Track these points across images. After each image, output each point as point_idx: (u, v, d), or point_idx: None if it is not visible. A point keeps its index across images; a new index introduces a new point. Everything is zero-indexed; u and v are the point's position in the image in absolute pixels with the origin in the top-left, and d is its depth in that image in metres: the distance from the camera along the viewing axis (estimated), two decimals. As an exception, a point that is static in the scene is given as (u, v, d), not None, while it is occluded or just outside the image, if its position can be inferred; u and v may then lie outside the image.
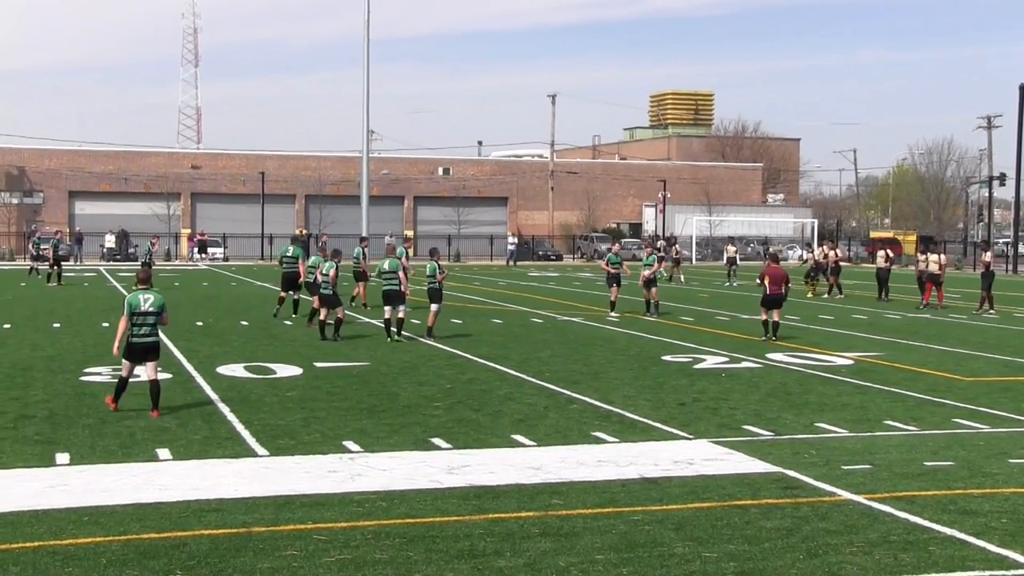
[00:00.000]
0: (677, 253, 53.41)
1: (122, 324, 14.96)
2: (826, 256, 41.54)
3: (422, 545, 9.12)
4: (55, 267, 43.70)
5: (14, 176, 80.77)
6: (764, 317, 24.94)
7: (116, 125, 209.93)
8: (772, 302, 24.68)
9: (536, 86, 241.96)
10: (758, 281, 25.46)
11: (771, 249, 36.83)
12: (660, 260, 35.08)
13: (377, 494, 10.73)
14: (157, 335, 15.20)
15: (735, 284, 46.43)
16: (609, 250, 34.35)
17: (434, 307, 24.78)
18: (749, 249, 78.18)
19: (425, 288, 25.40)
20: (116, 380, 17.70)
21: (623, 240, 78.10)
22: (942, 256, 36.11)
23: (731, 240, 55.76)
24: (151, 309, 15.04)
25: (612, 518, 9.99)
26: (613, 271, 31.09)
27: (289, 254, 29.51)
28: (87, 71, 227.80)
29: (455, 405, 15.88)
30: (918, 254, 38.18)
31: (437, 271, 25.03)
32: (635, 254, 74.52)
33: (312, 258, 27.92)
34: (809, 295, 40.28)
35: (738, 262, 50.73)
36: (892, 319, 31.15)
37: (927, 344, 24.49)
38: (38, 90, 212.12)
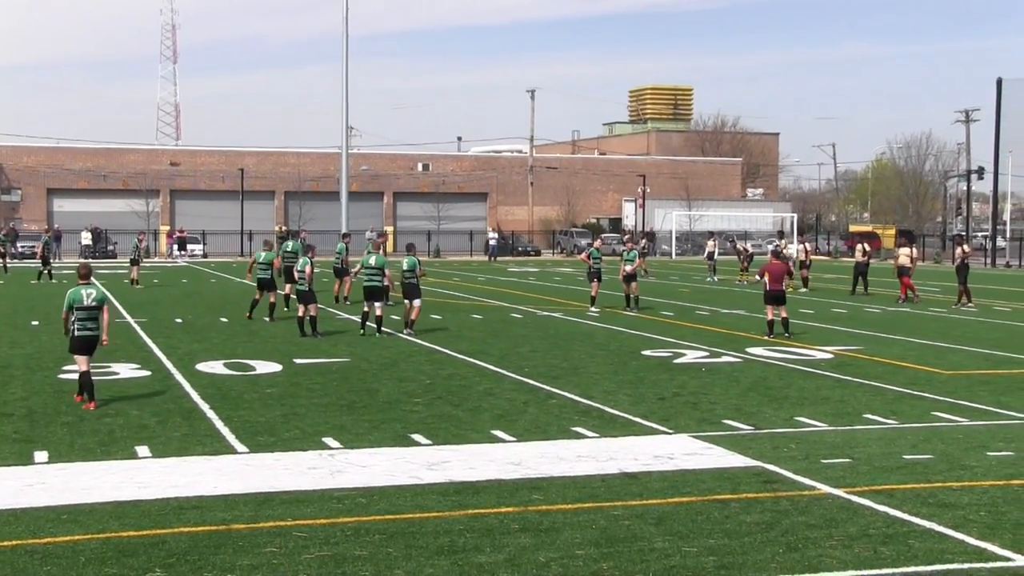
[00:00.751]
0: (645, 248, 54.18)
1: (64, 318, 15.15)
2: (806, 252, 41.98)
3: (402, 541, 9.12)
4: (46, 265, 44.29)
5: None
6: (771, 316, 24.50)
7: (95, 122, 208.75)
8: (775, 298, 24.45)
9: (515, 81, 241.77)
10: (757, 277, 25.50)
11: (774, 245, 37.18)
12: (642, 255, 35.13)
13: (357, 490, 10.72)
14: (98, 329, 15.27)
15: (716, 279, 46.57)
16: (590, 244, 34.22)
17: (416, 303, 24.67)
18: (728, 244, 78.32)
19: (401, 283, 25.24)
20: (94, 379, 17.66)
21: (604, 235, 78.07)
22: (913, 249, 36.42)
23: (711, 235, 56.05)
24: (92, 304, 15.09)
25: (592, 513, 10.00)
26: (595, 266, 31.08)
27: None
28: (65, 68, 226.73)
29: (435, 401, 15.87)
30: (897, 248, 38.41)
31: (417, 266, 24.99)
32: (615, 249, 74.71)
33: (289, 243, 30.24)
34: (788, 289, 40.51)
35: (716, 256, 50.98)
36: (872, 313, 31.27)
37: (907, 338, 24.60)
38: (16, 87, 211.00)
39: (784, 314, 24.56)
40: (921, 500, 10.50)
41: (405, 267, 24.94)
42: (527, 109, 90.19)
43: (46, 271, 44.49)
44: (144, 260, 50.40)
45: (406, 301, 24.65)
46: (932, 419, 14.76)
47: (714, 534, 9.38)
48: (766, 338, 24.02)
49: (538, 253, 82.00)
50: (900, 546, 9.09)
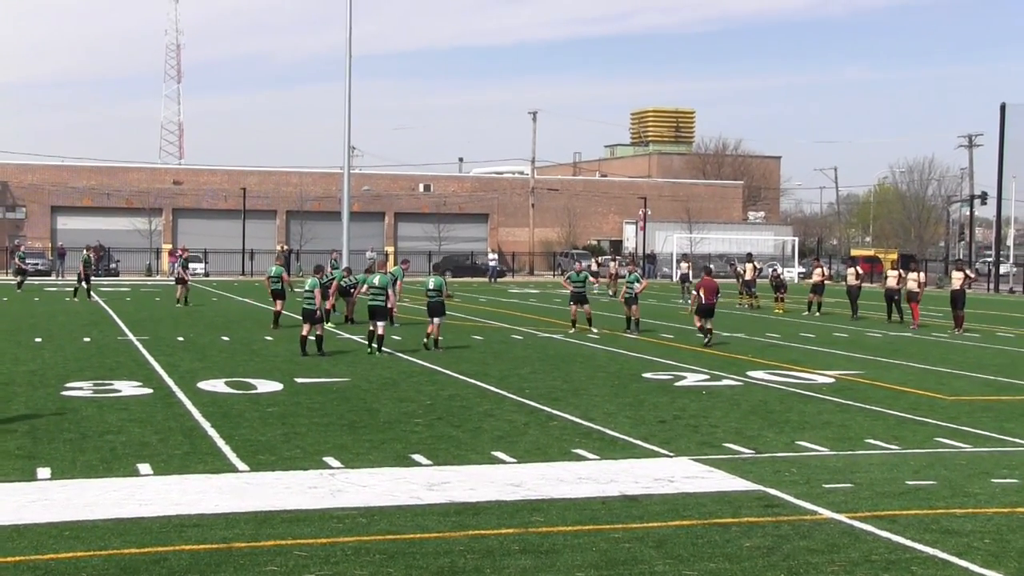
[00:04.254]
0: (599, 266, 59.81)
1: None
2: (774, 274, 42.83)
3: (402, 561, 9.11)
4: (84, 282, 44.29)
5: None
6: (699, 324, 27.67)
7: (99, 140, 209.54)
8: (707, 311, 27.46)
9: (517, 103, 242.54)
10: (693, 292, 28.63)
11: (716, 264, 38.37)
12: (644, 277, 35.09)
13: (357, 510, 10.72)
14: None
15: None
16: (573, 268, 33.87)
17: (437, 320, 25.28)
18: (729, 268, 78.41)
19: (427, 302, 25.80)
20: (97, 396, 17.71)
21: (601, 258, 78.13)
22: (921, 275, 36.37)
23: (684, 257, 56.76)
24: None
25: (592, 535, 10.00)
26: (576, 290, 30.94)
27: (307, 287, 25.29)
28: (70, 86, 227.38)
29: (435, 421, 15.87)
30: (888, 272, 38.33)
31: (443, 286, 25.75)
32: (618, 271, 74.69)
33: (274, 268, 31.47)
34: (777, 311, 40.69)
35: (691, 279, 51.45)
36: (873, 337, 31.27)
37: (908, 362, 24.59)
38: (20, 105, 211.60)
39: (709, 326, 27.48)
40: (924, 526, 10.48)
41: (431, 286, 25.59)
42: (529, 130, 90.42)
43: (85, 288, 44.21)
44: (162, 277, 50.47)
45: (430, 319, 25.37)
46: (935, 445, 14.74)
47: (715, 558, 9.38)
48: (702, 347, 26.71)
49: (502, 274, 78.81)
50: (903, 573, 9.07)
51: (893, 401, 18.55)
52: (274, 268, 32.06)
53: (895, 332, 33.03)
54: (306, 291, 24.41)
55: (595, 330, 30.43)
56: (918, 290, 35.20)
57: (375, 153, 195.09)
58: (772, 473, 12.68)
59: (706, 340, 27.31)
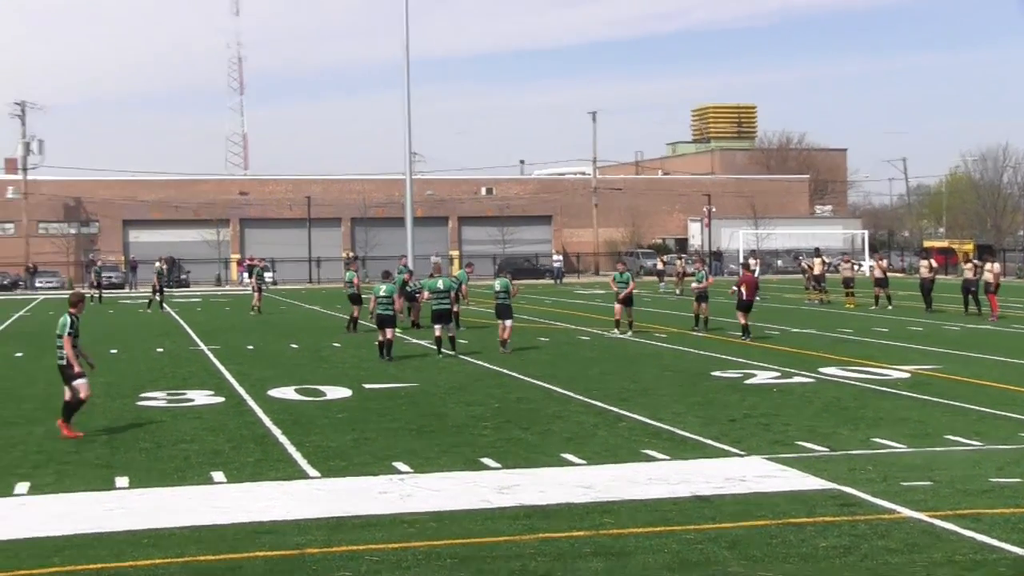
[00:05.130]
0: (664, 264, 61.38)
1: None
2: (849, 267, 42.30)
3: (473, 565, 9.10)
4: (157, 294, 45.17)
5: (71, 207, 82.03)
6: (743, 321, 28.08)
7: (166, 154, 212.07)
8: (747, 307, 27.99)
9: (577, 103, 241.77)
10: (733, 288, 28.77)
11: (745, 259, 38.50)
12: (710, 275, 34.75)
13: (428, 514, 10.73)
14: (61, 357, 15.35)
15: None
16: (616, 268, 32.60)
17: (508, 323, 25.57)
18: (795, 262, 77.70)
19: (495, 304, 26.10)
20: (171, 405, 17.96)
21: (667, 256, 77.70)
22: (997, 265, 35.67)
23: (752, 253, 56.90)
24: (56, 332, 15.41)
25: (665, 537, 9.90)
26: (620, 290, 30.14)
27: (382, 293, 24.95)
28: (137, 102, 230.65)
29: (504, 424, 15.85)
30: (963, 263, 37.65)
31: (510, 287, 25.88)
32: (685, 269, 74.20)
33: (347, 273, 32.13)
34: (848, 305, 40.20)
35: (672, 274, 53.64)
36: (951, 330, 30.72)
37: (988, 356, 24.08)
38: (90, 122, 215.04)
39: (745, 320, 28.07)
40: (1011, 525, 10.15)
41: (497, 288, 25.87)
42: (589, 131, 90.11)
43: (158, 300, 44.99)
44: (232, 287, 51.16)
45: (499, 321, 25.70)
46: (1019, 440, 14.33)
47: (790, 558, 9.24)
48: (742, 340, 27.31)
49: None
50: (990, 574, 8.82)
51: (973, 396, 18.14)
52: (347, 274, 33.76)
53: (972, 325, 32.42)
54: (381, 296, 24.55)
55: (630, 332, 29.82)
56: (994, 281, 34.55)
57: (437, 158, 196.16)
58: (847, 471, 12.47)
59: (746, 336, 27.76)
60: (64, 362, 15.25)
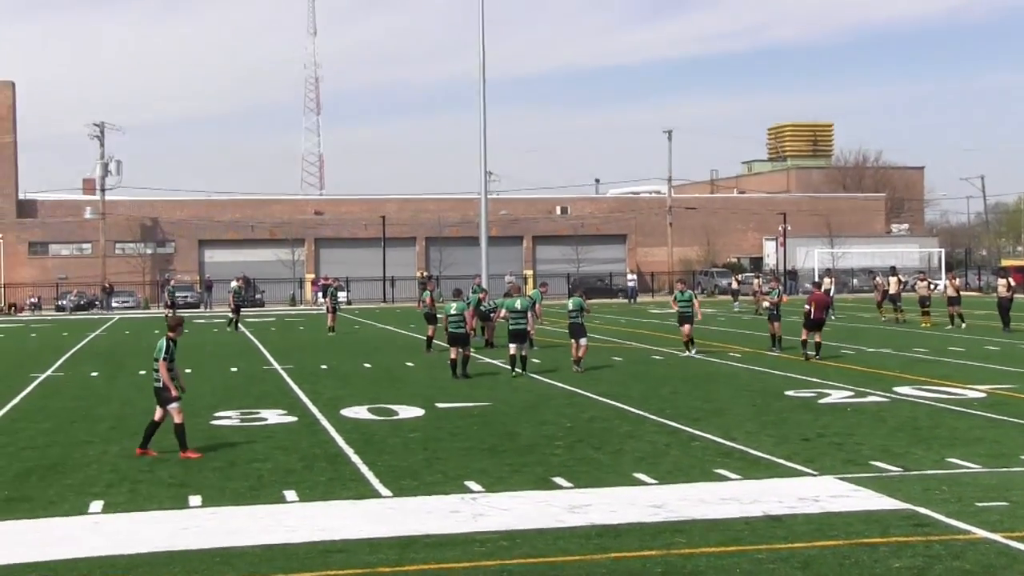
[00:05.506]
0: (739, 283, 61.95)
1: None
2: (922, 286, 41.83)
3: (544, 585, 9.11)
4: (235, 313, 45.43)
5: (148, 227, 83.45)
6: (805, 338, 27.80)
7: (242, 174, 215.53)
8: (816, 324, 27.65)
9: (652, 121, 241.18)
10: (806, 307, 28.34)
11: (819, 279, 38.27)
12: (783, 293, 34.43)
13: (499, 533, 10.76)
14: (158, 380, 15.53)
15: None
16: (677, 287, 31.41)
17: (583, 341, 25.62)
18: (883, 281, 76.65)
19: (568, 323, 26.13)
20: (244, 424, 18.20)
21: (743, 274, 77.06)
22: None
23: (828, 272, 56.53)
24: (155, 356, 15.64)
25: (736, 556, 9.85)
26: (683, 310, 29.50)
27: (453, 312, 25.04)
28: (213, 122, 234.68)
29: (575, 444, 15.85)
30: None
31: (583, 306, 25.95)
32: (758, 288, 73.54)
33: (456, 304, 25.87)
34: (924, 324, 39.59)
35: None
36: (1026, 349, 30.14)
37: (1064, 375, 23.62)
38: (167, 143, 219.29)
39: (818, 339, 27.75)
40: (1087, 546, 10.01)
41: (571, 307, 26.12)
42: (664, 149, 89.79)
43: (235, 319, 45.40)
44: (307, 306, 51.63)
45: (572, 340, 25.74)
46: (1094, 460, 14.11)
47: (863, 579, 9.13)
48: (805, 360, 27.11)
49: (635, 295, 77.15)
50: (1062, 593, 8.69)
51: (1050, 415, 17.81)
52: (425, 293, 33.78)
53: (1051, 343, 31.78)
54: (452, 315, 24.77)
55: (689, 352, 29.43)
56: None
57: (511, 177, 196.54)
58: (921, 491, 12.30)
59: (815, 354, 27.41)
60: (160, 384, 15.46)
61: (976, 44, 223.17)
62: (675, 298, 30.33)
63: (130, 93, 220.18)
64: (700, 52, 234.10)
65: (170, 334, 15.69)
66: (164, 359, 15.38)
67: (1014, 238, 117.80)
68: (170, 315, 17.27)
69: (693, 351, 29.39)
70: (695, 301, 29.81)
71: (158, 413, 15.49)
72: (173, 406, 15.34)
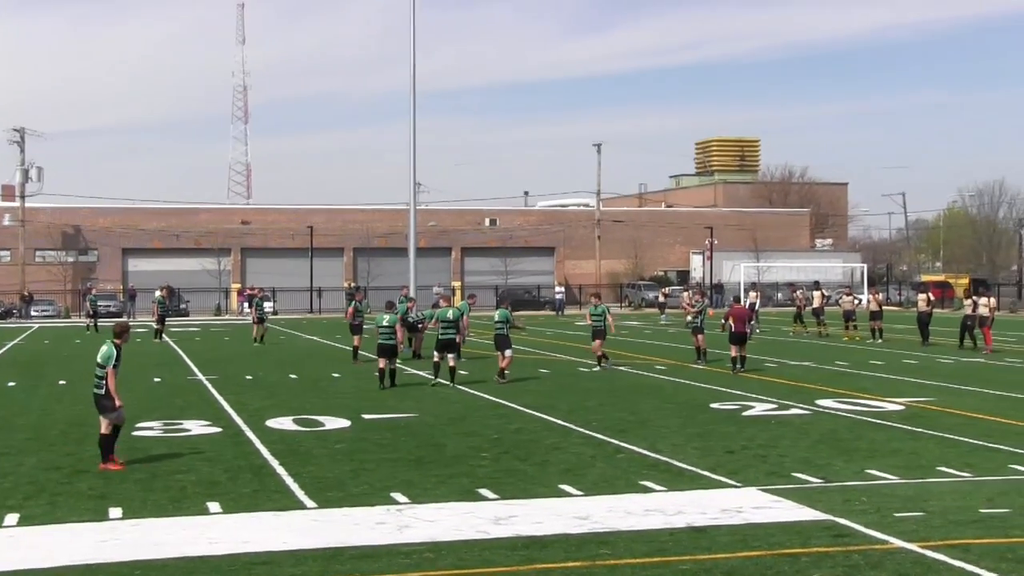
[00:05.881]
0: (665, 297, 63.20)
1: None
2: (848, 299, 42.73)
3: (469, 596, 9.11)
4: (160, 323, 44.41)
5: (70, 235, 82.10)
6: (734, 354, 27.74)
7: (168, 183, 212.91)
8: (739, 339, 27.71)
9: (581, 135, 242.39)
10: (723, 321, 28.78)
11: (744, 294, 38.97)
12: (709, 307, 34.82)
13: (425, 545, 10.75)
14: (100, 387, 15.22)
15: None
16: (591, 303, 30.58)
17: (508, 352, 25.81)
18: (802, 295, 77.67)
19: (494, 335, 26.42)
20: (166, 435, 17.97)
21: (670, 288, 77.66)
22: (992, 299, 35.83)
23: (752, 286, 56.94)
24: (97, 359, 15.36)
25: (660, 568, 9.93)
26: (596, 324, 28.95)
27: (385, 323, 25.52)
28: (139, 130, 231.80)
29: (502, 455, 15.87)
30: (964, 299, 37.69)
31: (509, 318, 26.27)
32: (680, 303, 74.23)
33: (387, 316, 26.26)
34: (845, 339, 40.25)
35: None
36: (944, 364, 30.79)
37: (981, 389, 24.16)
38: (92, 150, 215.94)
39: (743, 352, 27.94)
40: (999, 555, 10.27)
41: (496, 318, 26.36)
42: (593, 163, 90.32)
43: (160, 330, 44.21)
44: (232, 316, 50.95)
45: (498, 352, 26.00)
46: (1009, 472, 14.45)
47: (784, 589, 9.26)
48: (731, 373, 27.21)
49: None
50: (976, 601, 8.89)
51: (966, 428, 18.22)
52: (387, 317, 31.29)
53: (966, 358, 32.48)
54: (383, 327, 24.97)
55: (604, 365, 29.15)
56: (989, 315, 34.69)
57: (440, 189, 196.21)
58: (841, 502, 12.51)
59: (739, 368, 27.56)
60: (103, 392, 15.13)
61: (900, 64, 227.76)
62: (589, 312, 29.71)
63: (53, 99, 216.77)
64: (630, 68, 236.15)
65: (116, 341, 15.40)
66: (113, 367, 15.09)
67: (933, 254, 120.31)
68: (118, 321, 16.96)
69: (606, 364, 29.25)
70: (608, 316, 29.17)
71: (104, 425, 15.15)
72: (112, 415, 15.08)
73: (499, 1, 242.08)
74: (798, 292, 48.88)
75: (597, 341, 29.08)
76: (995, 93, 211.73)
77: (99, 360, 15.34)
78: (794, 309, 47.19)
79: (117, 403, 15.09)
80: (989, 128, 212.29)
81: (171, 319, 54.14)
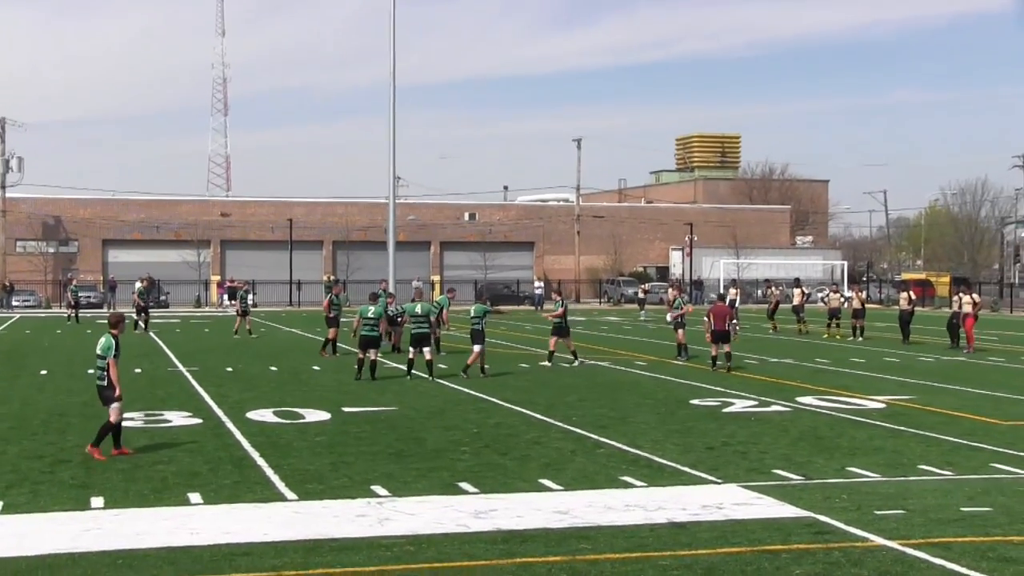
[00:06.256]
0: (645, 293, 63.63)
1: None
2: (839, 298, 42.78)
3: (451, 590, 9.11)
4: (142, 313, 43.73)
5: (50, 226, 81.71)
6: (715, 352, 27.52)
7: (148, 174, 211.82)
8: (720, 336, 27.36)
9: (562, 130, 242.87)
10: (705, 319, 28.37)
11: (727, 291, 38.92)
12: (687, 303, 34.85)
13: (405, 538, 10.74)
14: (103, 378, 15.21)
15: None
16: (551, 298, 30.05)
17: (477, 348, 25.62)
18: (779, 292, 77.86)
19: (470, 329, 26.33)
20: (148, 426, 17.90)
21: (649, 283, 77.72)
22: (975, 296, 36.00)
23: (732, 283, 57.15)
24: (99, 352, 15.30)
25: (640, 563, 9.95)
26: (555, 321, 28.89)
27: (370, 315, 25.53)
28: (120, 122, 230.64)
29: (482, 449, 15.88)
30: (953, 298, 37.78)
31: (485, 313, 26.25)
32: (662, 297, 74.40)
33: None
34: (825, 336, 40.39)
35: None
36: (925, 362, 30.94)
37: (962, 387, 24.28)
38: (71, 141, 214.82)
39: (727, 350, 27.46)
40: (980, 554, 10.31)
41: (473, 313, 26.34)
42: (573, 158, 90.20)
43: (141, 320, 43.51)
44: (212, 308, 50.66)
45: (474, 346, 25.82)
46: (990, 471, 14.51)
47: (765, 585, 9.29)
48: (710, 370, 27.12)
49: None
50: (955, 599, 8.93)
51: (947, 426, 18.31)
52: (372, 308, 30.71)
53: (948, 357, 32.65)
54: (368, 318, 25.13)
55: (548, 363, 28.77)
56: (973, 311, 34.87)
57: (420, 183, 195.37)
58: (822, 500, 12.56)
59: (724, 365, 27.19)
60: (105, 383, 15.13)
61: (881, 62, 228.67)
62: (553, 310, 29.33)
63: (33, 90, 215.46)
64: (611, 63, 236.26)
65: (113, 331, 15.38)
66: (114, 357, 15.02)
67: (914, 252, 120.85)
68: (111, 312, 16.91)
69: (567, 361, 28.97)
70: (561, 310, 28.74)
71: (113, 413, 15.09)
72: (115, 405, 15.06)
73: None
74: (772, 288, 49.06)
75: (554, 339, 28.82)
76: (978, 91, 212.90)
77: (99, 351, 15.34)
78: (771, 305, 47.30)
79: (117, 392, 15.04)
80: (972, 126, 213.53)
81: (152, 311, 53.80)
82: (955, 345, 35.44)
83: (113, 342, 15.18)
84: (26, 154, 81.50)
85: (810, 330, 42.94)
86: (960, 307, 35.45)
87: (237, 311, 42.28)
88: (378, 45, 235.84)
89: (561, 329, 28.80)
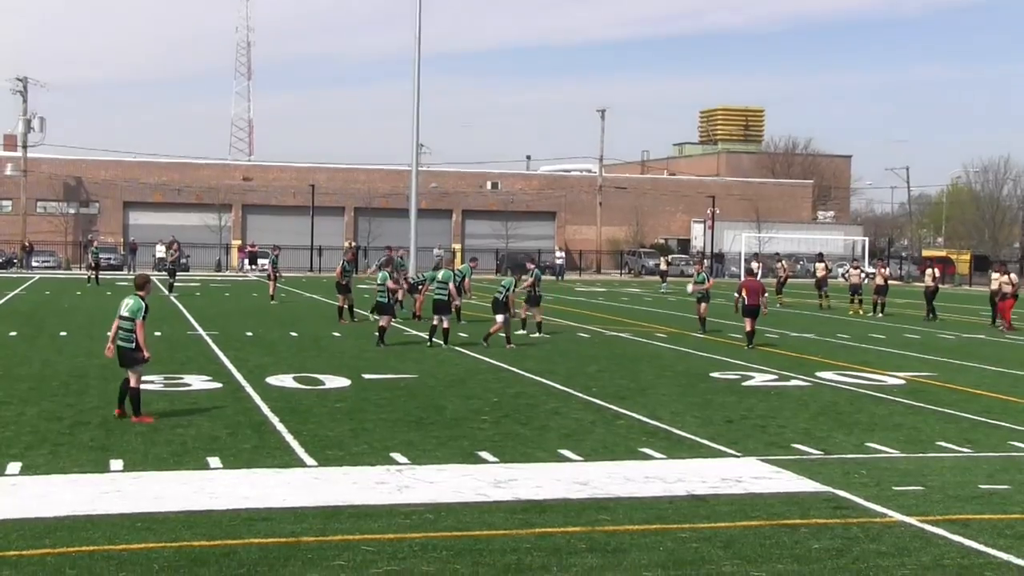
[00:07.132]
0: (668, 265, 64.41)
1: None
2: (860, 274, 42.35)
3: (469, 558, 9.13)
4: (171, 276, 44.98)
5: (71, 187, 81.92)
6: (749, 327, 26.60)
7: (170, 137, 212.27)
8: (751, 312, 26.53)
9: (585, 101, 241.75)
10: (736, 294, 27.60)
11: (750, 264, 38.26)
12: (710, 276, 34.67)
13: (424, 506, 10.76)
14: (130, 340, 15.03)
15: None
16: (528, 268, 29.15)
17: (499, 318, 25.38)
18: (799, 267, 77.60)
19: (492, 299, 26.26)
20: (168, 390, 17.96)
21: (671, 256, 77.51)
22: (1012, 275, 35.63)
23: (755, 256, 56.80)
24: (125, 314, 15.10)
25: (659, 535, 9.94)
26: (536, 292, 28.32)
27: (440, 279, 25.97)
28: (143, 83, 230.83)
29: (502, 419, 15.88)
30: (993, 275, 37.32)
31: (512, 286, 26.05)
32: (683, 270, 74.28)
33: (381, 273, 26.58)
34: (851, 312, 40.21)
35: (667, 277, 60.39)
36: (945, 339, 30.80)
37: (982, 365, 24.18)
38: (95, 103, 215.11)
39: (754, 327, 26.69)
40: (998, 531, 10.29)
41: (503, 283, 26.31)
42: (597, 128, 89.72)
43: (169, 282, 44.62)
44: (232, 272, 50.77)
45: (496, 316, 25.61)
46: (1009, 448, 14.48)
47: (783, 559, 9.28)
48: (746, 348, 26.15)
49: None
50: (974, 577, 8.91)
51: (966, 404, 18.24)
52: (380, 275, 29.68)
53: (968, 334, 32.48)
54: (439, 281, 25.51)
55: (513, 345, 26.36)
56: (1011, 291, 34.56)
57: (443, 151, 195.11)
58: (841, 475, 12.53)
59: (750, 344, 26.37)
60: (133, 346, 14.97)
61: (907, 38, 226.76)
62: (525, 280, 28.53)
63: (57, 51, 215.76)
64: (636, 34, 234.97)
65: (140, 293, 15.28)
66: (142, 319, 15.02)
67: (935, 229, 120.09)
68: (138, 273, 16.78)
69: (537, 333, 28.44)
70: (530, 280, 28.18)
71: (133, 378, 15.06)
72: (139, 368, 15.06)
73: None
74: (782, 262, 48.91)
75: (525, 307, 28.66)
76: (1002, 68, 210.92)
77: (126, 313, 15.08)
78: (780, 279, 47.15)
79: (146, 355, 15.03)
80: (996, 104, 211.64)
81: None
82: (995, 324, 35.21)
83: (142, 304, 15.13)
84: (48, 115, 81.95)
85: (832, 305, 42.78)
86: (999, 286, 35.09)
87: (270, 275, 41.52)
88: (403, 11, 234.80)
89: (532, 298, 28.48)
